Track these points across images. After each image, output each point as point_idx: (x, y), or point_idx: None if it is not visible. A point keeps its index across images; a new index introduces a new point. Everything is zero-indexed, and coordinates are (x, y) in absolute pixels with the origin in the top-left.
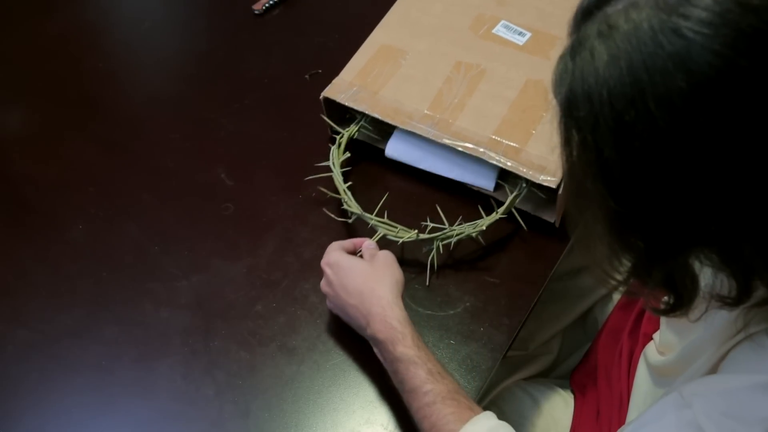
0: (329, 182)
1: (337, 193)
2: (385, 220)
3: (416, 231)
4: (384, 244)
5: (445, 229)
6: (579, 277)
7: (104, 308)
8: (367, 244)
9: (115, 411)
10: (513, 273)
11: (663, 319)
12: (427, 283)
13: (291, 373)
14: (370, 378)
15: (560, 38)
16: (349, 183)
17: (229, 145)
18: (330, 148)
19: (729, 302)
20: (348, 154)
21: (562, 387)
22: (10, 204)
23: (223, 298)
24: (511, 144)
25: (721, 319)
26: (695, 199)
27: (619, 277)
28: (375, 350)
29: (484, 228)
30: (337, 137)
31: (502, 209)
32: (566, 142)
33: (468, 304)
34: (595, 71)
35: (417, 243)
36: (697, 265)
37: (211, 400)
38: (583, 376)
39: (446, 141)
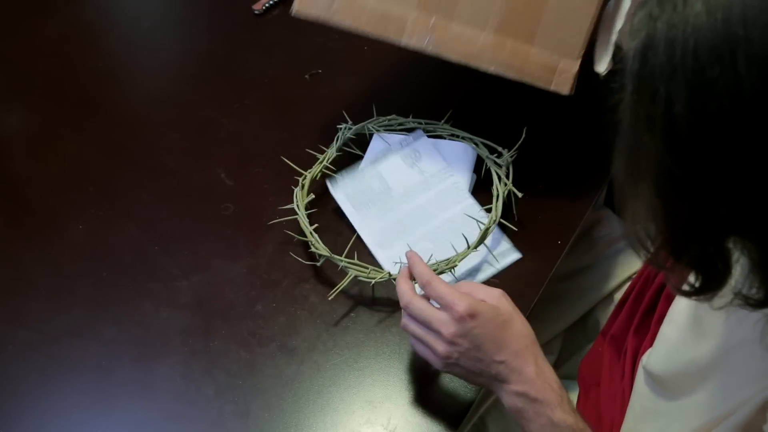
0: (295, 225)
1: (303, 235)
2: (356, 261)
3: (388, 272)
4: (356, 285)
5: None
6: (580, 277)
7: (104, 308)
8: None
9: (115, 411)
10: (513, 273)
11: (661, 336)
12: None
13: (291, 373)
14: (370, 378)
15: None
16: (316, 225)
17: (229, 145)
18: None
19: (751, 303)
20: (312, 196)
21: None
22: (10, 204)
23: (223, 298)
24: (518, 44)
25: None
26: (759, 179)
27: (651, 247)
28: (509, 401)
29: (457, 264)
30: (300, 179)
31: (473, 244)
32: (635, 90)
33: None
34: (684, 19)
35: (389, 282)
36: (735, 255)
37: (211, 400)
38: (585, 377)
39: (451, 57)
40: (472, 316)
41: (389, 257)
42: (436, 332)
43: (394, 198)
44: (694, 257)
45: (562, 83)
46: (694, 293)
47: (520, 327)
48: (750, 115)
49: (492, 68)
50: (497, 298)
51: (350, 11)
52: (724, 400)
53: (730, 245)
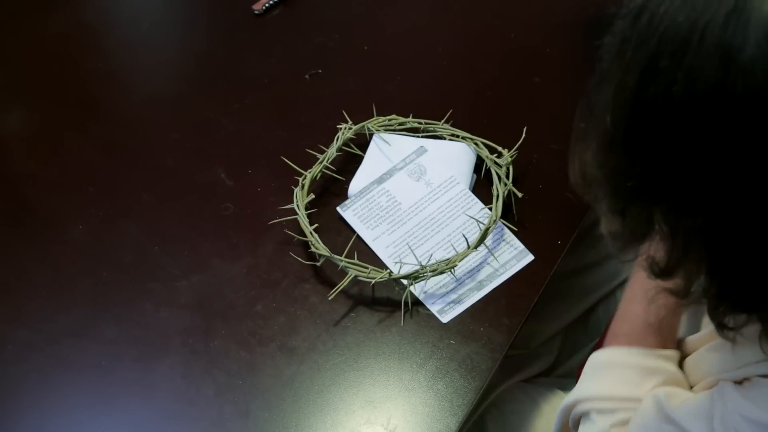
0: (295, 225)
1: (303, 235)
2: (356, 261)
3: (388, 271)
4: (356, 284)
5: (417, 268)
6: (581, 275)
7: (104, 308)
8: None
9: (115, 411)
10: (513, 273)
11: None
12: (402, 323)
13: (291, 373)
14: (370, 378)
15: None
16: (316, 225)
17: (229, 145)
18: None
19: (655, 271)
20: (312, 196)
21: (563, 388)
22: (10, 204)
23: (223, 298)
24: None
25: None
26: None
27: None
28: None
29: (457, 264)
30: (300, 179)
31: (473, 244)
32: (614, 43)
33: (468, 304)
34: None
35: (389, 282)
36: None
37: (211, 400)
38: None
39: None
40: None
41: (405, 269)
42: None
43: (403, 211)
44: (631, 222)
45: None
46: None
47: None
48: (676, 119)
49: None
50: None
51: None
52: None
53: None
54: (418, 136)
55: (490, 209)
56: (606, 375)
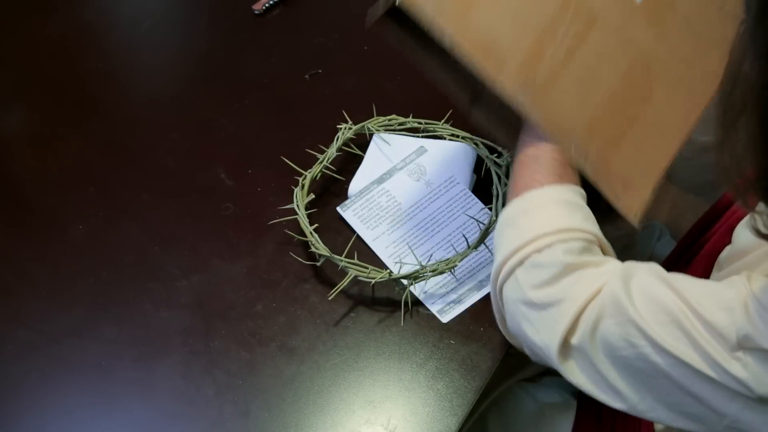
0: (295, 225)
1: (303, 235)
2: (356, 261)
3: (388, 271)
4: (356, 284)
5: (417, 268)
6: None
7: (104, 308)
8: None
9: (115, 411)
10: None
11: None
12: (402, 323)
13: (291, 373)
14: (370, 378)
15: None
16: (316, 225)
17: (229, 145)
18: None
19: None
20: (312, 196)
21: (564, 387)
22: (10, 204)
23: (223, 298)
24: (602, 148)
25: None
26: None
27: (741, 184)
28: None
29: (457, 264)
30: (300, 179)
31: (473, 244)
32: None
33: (468, 304)
34: None
35: (389, 282)
36: None
37: (211, 400)
38: None
39: (538, 120)
40: None
41: (405, 269)
42: None
43: (403, 211)
44: None
45: (627, 206)
46: None
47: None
48: None
49: (573, 152)
50: None
51: (456, 23)
52: None
53: None
54: (418, 136)
55: (490, 209)
56: (528, 218)
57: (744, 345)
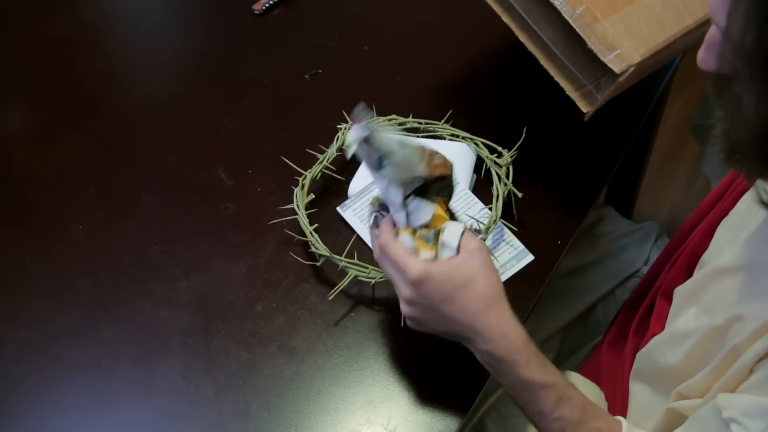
0: (295, 225)
1: (303, 235)
2: (356, 261)
3: None
4: (356, 284)
5: None
6: (581, 275)
7: (104, 308)
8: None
9: (115, 411)
10: (513, 273)
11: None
12: (402, 323)
13: (291, 373)
14: (370, 378)
15: None
16: (316, 225)
17: (229, 145)
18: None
19: None
20: (312, 196)
21: None
22: (10, 204)
23: (223, 298)
24: (592, 9)
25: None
26: None
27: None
28: (479, 357)
29: None
30: (300, 179)
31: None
32: None
33: None
34: None
35: (389, 282)
36: None
37: (211, 400)
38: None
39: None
40: (422, 281)
41: None
42: (398, 290)
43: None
44: None
45: (617, 62)
46: None
47: (481, 286)
48: None
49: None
50: (469, 253)
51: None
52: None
53: None
54: (418, 136)
55: (490, 209)
56: None
57: None
